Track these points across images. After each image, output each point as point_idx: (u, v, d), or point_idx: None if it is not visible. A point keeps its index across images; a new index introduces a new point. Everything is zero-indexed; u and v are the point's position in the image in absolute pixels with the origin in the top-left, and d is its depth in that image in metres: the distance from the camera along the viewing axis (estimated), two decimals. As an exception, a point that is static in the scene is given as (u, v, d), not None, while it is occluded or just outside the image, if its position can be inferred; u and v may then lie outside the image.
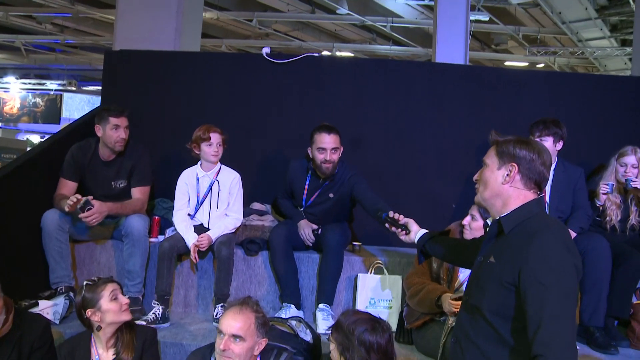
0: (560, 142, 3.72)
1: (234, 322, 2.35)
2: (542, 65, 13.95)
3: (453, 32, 6.76)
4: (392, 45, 13.57)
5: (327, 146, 3.71)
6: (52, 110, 17.34)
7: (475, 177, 2.16)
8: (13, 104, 17.85)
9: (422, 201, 4.31)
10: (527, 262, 1.88)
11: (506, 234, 2.04)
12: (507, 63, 13.69)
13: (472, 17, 9.18)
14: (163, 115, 4.59)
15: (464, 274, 3.13)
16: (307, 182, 3.90)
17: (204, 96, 4.60)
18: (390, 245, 4.14)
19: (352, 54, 13.92)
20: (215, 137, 3.71)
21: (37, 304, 3.23)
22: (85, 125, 3.99)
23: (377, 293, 3.60)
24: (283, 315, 3.43)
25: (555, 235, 1.92)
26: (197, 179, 3.78)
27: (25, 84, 18.17)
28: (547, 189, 3.73)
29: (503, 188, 2.06)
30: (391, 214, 2.92)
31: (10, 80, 17.98)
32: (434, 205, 4.27)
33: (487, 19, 10.87)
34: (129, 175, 3.81)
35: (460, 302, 2.76)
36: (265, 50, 4.53)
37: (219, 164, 3.80)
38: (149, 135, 4.38)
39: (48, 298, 3.35)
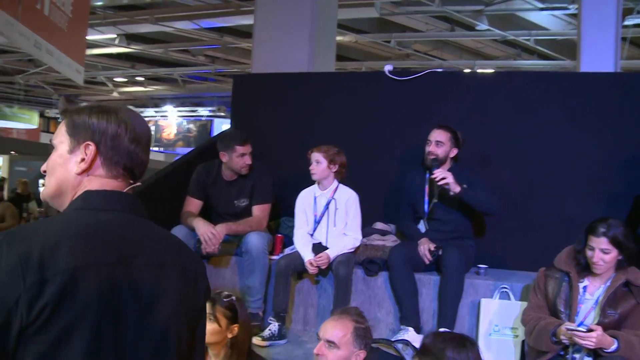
0: None
1: (331, 328, 2.32)
2: None
3: (600, 40, 6.25)
4: (537, 60, 12.88)
5: (431, 138, 3.80)
6: (203, 134, 18.58)
7: (43, 168, 1.38)
8: (170, 130, 19.47)
9: (556, 221, 3.98)
10: None
11: None
12: (672, 72, 12.41)
13: (629, 22, 8.42)
14: (290, 136, 4.67)
15: (585, 304, 2.82)
16: (427, 184, 3.85)
17: (330, 116, 4.63)
18: (519, 268, 3.87)
19: (494, 71, 13.43)
20: (313, 156, 3.78)
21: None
22: (211, 147, 4.17)
23: (501, 320, 3.36)
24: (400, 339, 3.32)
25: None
26: (315, 198, 3.81)
27: (180, 111, 19.77)
28: None
29: (77, 180, 1.31)
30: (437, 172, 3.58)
31: (169, 108, 19.65)
32: (570, 226, 3.88)
33: (646, 22, 9.94)
34: (251, 194, 3.92)
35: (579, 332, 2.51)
36: (388, 68, 4.48)
37: (335, 182, 3.79)
38: (276, 155, 4.50)
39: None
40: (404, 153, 4.42)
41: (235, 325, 2.58)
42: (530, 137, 4.19)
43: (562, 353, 2.80)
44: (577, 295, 2.83)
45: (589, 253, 2.82)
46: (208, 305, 2.57)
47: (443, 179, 3.55)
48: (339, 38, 10.87)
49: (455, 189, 3.52)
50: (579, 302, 2.83)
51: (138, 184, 1.37)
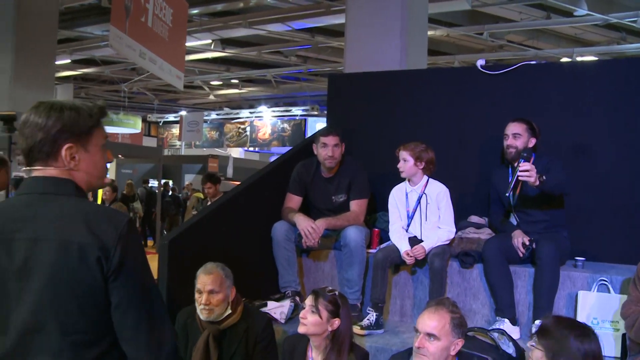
0: None
1: (429, 320, 2.41)
2: None
3: None
4: (644, 42, 12.20)
5: (508, 132, 3.85)
6: (297, 133, 19.09)
7: None
8: (265, 130, 20.13)
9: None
10: None
11: None
12: None
13: None
14: (383, 132, 4.78)
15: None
16: (510, 177, 3.82)
17: (423, 112, 4.70)
18: (619, 262, 3.80)
19: (595, 59, 12.86)
20: (400, 154, 3.87)
21: (266, 305, 3.63)
22: (309, 145, 4.37)
23: (600, 313, 3.32)
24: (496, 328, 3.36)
25: None
26: (406, 194, 3.91)
27: (275, 111, 20.36)
28: None
29: None
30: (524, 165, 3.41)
31: (263, 109, 20.29)
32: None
33: None
34: (348, 190, 4.09)
35: None
36: (480, 62, 4.49)
37: (425, 177, 3.88)
38: (371, 152, 4.63)
39: (277, 300, 3.75)
40: (498, 147, 4.42)
41: (337, 319, 2.73)
42: (630, 127, 4.07)
43: (668, 347, 2.76)
44: (682, 288, 2.77)
45: None
46: (311, 298, 2.76)
47: (527, 175, 3.43)
48: (430, 32, 10.86)
49: (535, 183, 3.46)
50: None
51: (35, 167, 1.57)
